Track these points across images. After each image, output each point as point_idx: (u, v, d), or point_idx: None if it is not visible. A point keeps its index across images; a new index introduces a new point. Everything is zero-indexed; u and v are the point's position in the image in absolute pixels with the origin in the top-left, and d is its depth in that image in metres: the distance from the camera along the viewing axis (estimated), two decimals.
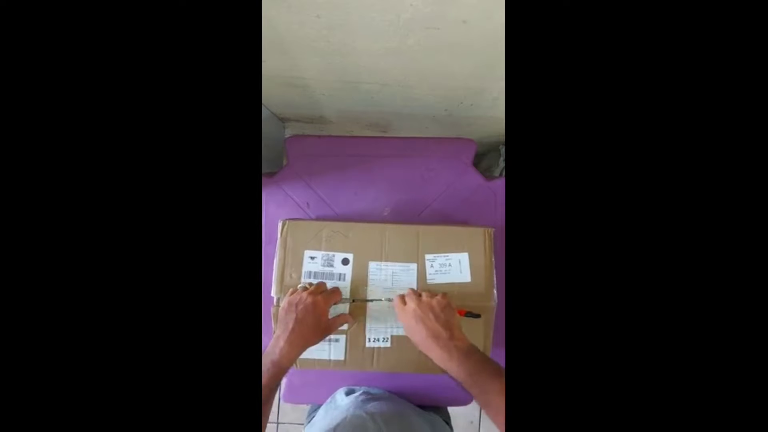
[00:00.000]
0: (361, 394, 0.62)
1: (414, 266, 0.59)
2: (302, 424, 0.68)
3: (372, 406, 0.55)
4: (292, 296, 0.53)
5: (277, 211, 0.67)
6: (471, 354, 0.46)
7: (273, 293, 0.58)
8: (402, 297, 0.53)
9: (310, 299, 0.51)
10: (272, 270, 0.59)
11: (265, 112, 0.84)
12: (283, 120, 0.97)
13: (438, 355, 0.46)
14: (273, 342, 0.50)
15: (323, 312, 0.52)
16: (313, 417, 0.65)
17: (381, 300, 0.58)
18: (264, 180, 0.68)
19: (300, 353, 0.50)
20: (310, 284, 0.56)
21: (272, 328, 0.56)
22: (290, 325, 0.50)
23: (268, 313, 0.59)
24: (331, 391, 0.66)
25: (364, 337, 0.59)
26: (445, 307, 0.50)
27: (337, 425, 0.49)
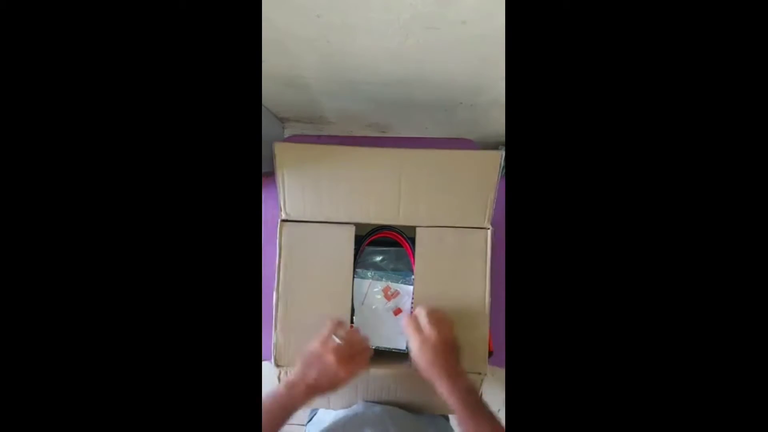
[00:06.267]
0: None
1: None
2: (303, 425, 0.68)
3: (380, 407, 0.56)
4: (320, 348, 0.48)
5: (276, 210, 0.67)
6: (472, 392, 0.48)
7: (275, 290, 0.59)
8: (415, 318, 0.51)
9: (334, 370, 0.47)
10: (271, 269, 0.59)
11: (264, 112, 0.84)
12: (282, 120, 0.97)
13: (443, 384, 0.47)
14: (289, 385, 0.47)
15: (342, 383, 0.48)
16: (315, 415, 0.65)
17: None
18: (263, 179, 0.68)
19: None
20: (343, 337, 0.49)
21: (272, 325, 0.57)
22: (307, 381, 0.47)
23: (268, 311, 0.59)
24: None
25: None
26: (454, 340, 0.51)
27: (353, 415, 0.51)
